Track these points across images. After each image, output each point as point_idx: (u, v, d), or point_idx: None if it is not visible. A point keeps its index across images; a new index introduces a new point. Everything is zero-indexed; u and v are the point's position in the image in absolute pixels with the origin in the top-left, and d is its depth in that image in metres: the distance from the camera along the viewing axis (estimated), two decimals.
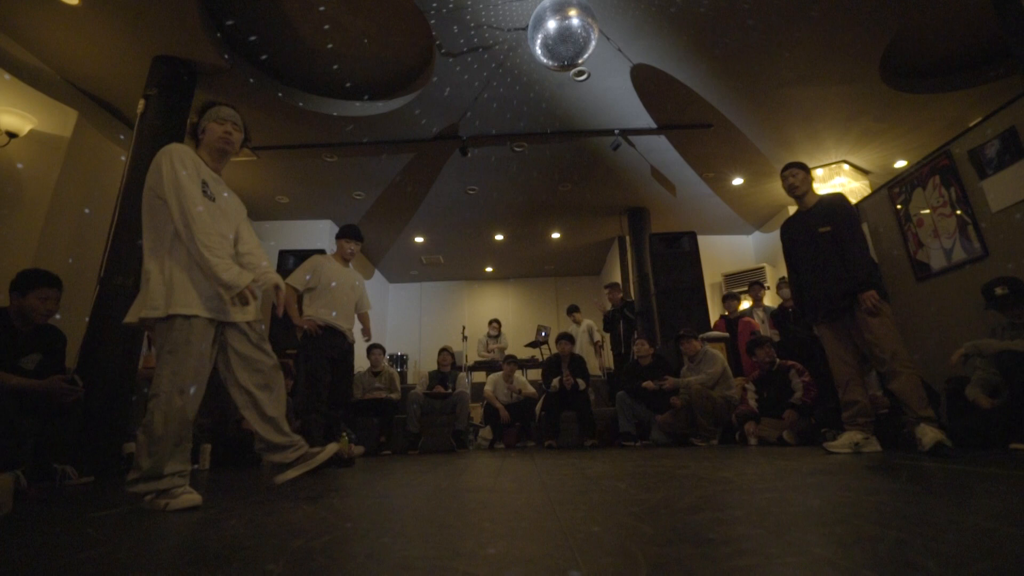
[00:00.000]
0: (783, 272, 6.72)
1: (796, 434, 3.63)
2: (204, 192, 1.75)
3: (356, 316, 3.54)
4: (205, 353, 1.69)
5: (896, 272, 4.38)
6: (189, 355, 1.63)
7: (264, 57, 4.39)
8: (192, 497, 1.55)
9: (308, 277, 3.30)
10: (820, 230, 2.77)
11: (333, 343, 3.29)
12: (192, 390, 1.64)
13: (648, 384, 4.49)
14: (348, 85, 4.78)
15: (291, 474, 1.83)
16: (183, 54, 4.02)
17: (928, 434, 2.30)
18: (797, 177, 2.93)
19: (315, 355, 3.22)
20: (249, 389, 1.81)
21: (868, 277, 2.56)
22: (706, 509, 1.20)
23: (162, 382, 1.60)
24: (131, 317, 1.69)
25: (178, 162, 1.70)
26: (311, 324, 3.20)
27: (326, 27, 4.06)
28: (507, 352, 6.58)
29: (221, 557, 0.94)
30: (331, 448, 1.93)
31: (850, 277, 2.59)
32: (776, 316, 4.87)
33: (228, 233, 1.84)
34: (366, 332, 3.70)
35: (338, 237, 3.51)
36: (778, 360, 4.08)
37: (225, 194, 1.89)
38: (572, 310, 6.88)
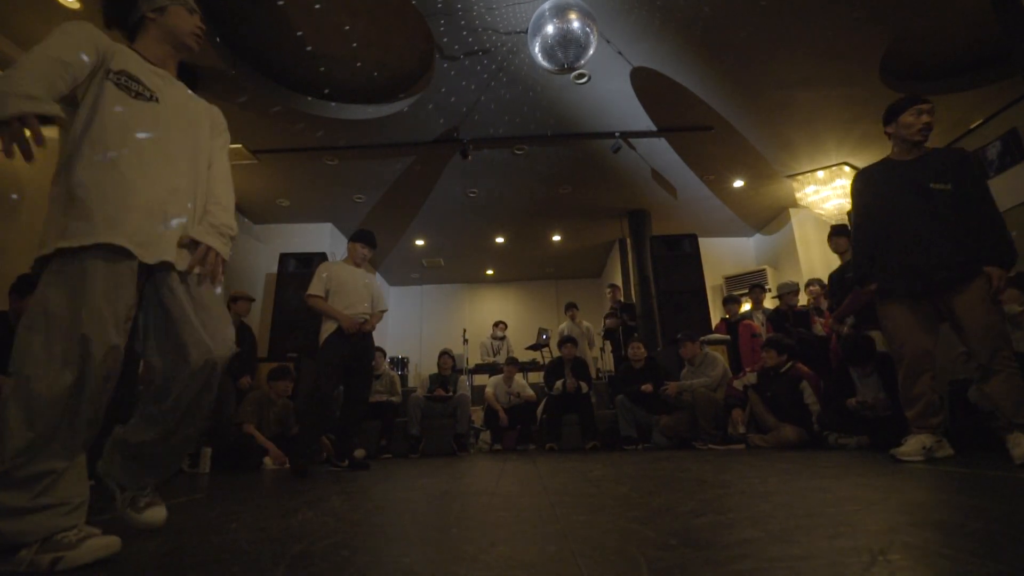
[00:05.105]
0: (784, 275, 6.75)
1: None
2: (127, 89, 1.24)
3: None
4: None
5: None
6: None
7: (265, 61, 4.39)
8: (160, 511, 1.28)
9: (325, 275, 3.32)
10: (934, 186, 2.24)
11: (347, 345, 3.24)
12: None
13: (646, 387, 4.48)
14: (349, 88, 4.78)
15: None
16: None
17: (1023, 445, 1.94)
18: (934, 116, 2.35)
19: (324, 359, 3.17)
20: None
21: (1009, 251, 2.12)
22: (708, 513, 1.20)
23: None
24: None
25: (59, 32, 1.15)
26: (350, 321, 3.19)
27: (327, 31, 4.08)
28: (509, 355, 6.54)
29: (221, 561, 0.94)
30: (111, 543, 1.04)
31: (979, 245, 2.15)
32: (772, 319, 4.86)
33: (183, 151, 1.34)
34: (368, 324, 3.48)
35: (351, 240, 3.50)
36: (788, 363, 3.87)
37: (174, 93, 1.43)
38: (570, 307, 6.75)
